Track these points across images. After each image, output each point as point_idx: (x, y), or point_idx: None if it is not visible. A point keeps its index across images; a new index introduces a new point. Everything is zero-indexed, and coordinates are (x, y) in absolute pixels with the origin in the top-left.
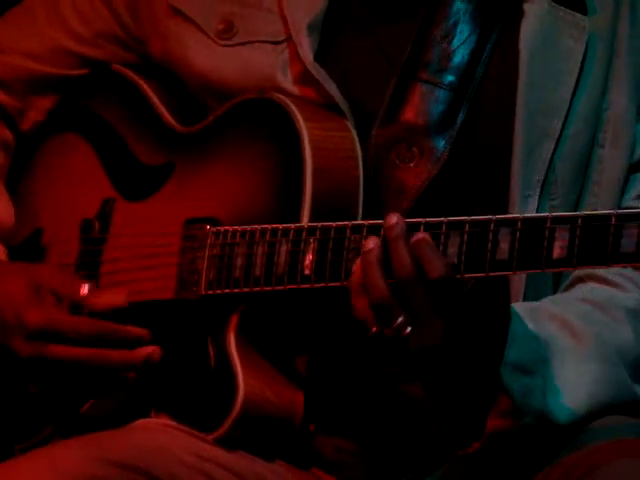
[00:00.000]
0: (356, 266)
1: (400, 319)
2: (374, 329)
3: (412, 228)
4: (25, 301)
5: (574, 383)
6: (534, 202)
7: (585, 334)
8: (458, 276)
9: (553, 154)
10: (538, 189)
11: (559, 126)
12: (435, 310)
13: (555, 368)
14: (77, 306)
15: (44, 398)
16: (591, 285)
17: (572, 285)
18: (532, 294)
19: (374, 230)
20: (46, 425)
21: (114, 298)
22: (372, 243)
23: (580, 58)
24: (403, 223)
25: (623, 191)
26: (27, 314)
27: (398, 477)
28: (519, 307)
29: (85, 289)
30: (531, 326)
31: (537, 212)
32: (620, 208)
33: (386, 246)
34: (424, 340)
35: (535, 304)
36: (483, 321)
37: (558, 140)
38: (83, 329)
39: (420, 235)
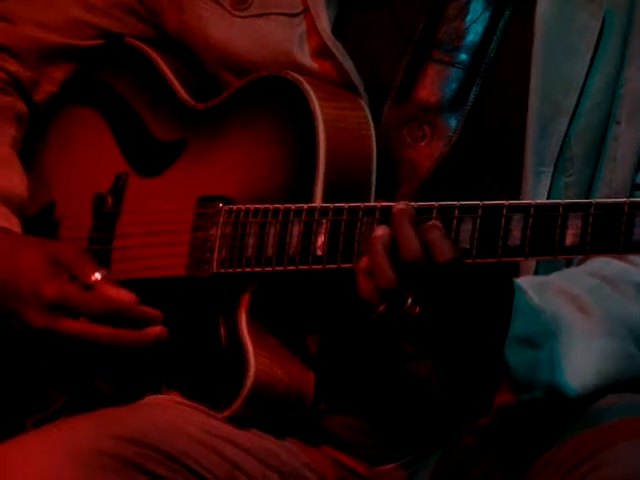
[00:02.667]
0: (365, 249)
1: (409, 301)
2: (379, 309)
3: (425, 211)
4: (42, 273)
5: (582, 358)
6: (547, 179)
7: (593, 309)
8: (470, 261)
9: (567, 130)
10: (552, 165)
11: (574, 102)
12: (444, 291)
13: (562, 343)
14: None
15: (57, 371)
16: (603, 259)
17: (584, 260)
18: (544, 271)
19: (386, 212)
20: (59, 397)
21: (123, 294)
22: (381, 230)
23: (596, 33)
24: (411, 209)
25: (638, 167)
26: (43, 286)
27: (406, 454)
28: (524, 281)
29: (97, 276)
30: (535, 299)
31: (550, 189)
32: (635, 185)
33: (394, 231)
34: (433, 318)
35: (542, 278)
36: (493, 298)
37: (573, 116)
38: (96, 306)
39: (430, 222)
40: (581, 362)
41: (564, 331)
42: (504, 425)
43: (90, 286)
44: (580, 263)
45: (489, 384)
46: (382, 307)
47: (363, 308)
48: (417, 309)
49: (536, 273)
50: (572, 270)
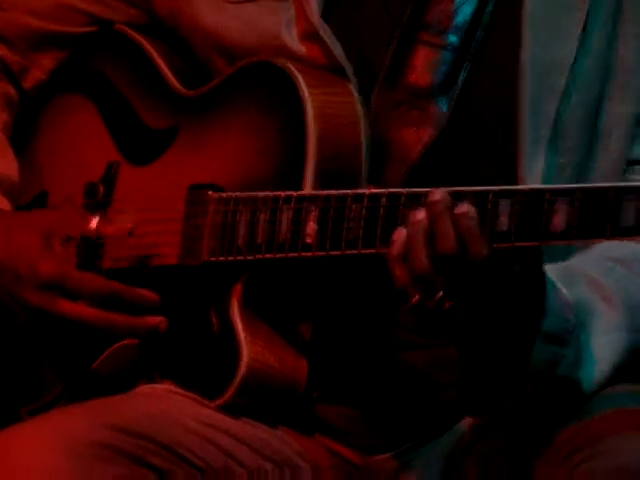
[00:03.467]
0: (397, 235)
1: (440, 293)
2: (415, 299)
3: (458, 197)
4: (38, 251)
5: (602, 354)
6: (541, 158)
7: (615, 297)
8: (509, 244)
9: (559, 109)
10: (545, 144)
11: (564, 81)
12: (476, 285)
13: (587, 339)
14: (91, 261)
15: (52, 355)
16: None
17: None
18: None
19: (375, 199)
20: (54, 386)
21: (124, 222)
22: (421, 215)
23: (585, 13)
24: (449, 199)
25: (632, 143)
26: (40, 264)
27: (400, 444)
28: (552, 270)
29: (94, 222)
30: (565, 292)
31: (546, 170)
32: (629, 162)
33: (432, 221)
34: (464, 312)
35: (568, 264)
36: (523, 290)
37: (564, 94)
38: (93, 286)
39: (465, 207)
40: (601, 357)
41: (590, 325)
42: (509, 411)
43: (94, 233)
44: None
45: (511, 380)
46: (416, 297)
47: (397, 297)
48: (448, 304)
49: None
50: (591, 253)
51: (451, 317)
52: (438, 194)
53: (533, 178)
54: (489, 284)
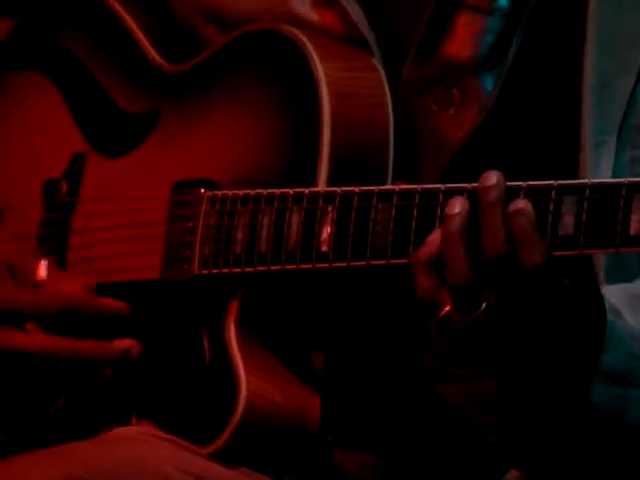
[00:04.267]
0: (432, 237)
1: (483, 306)
2: (444, 312)
3: (511, 193)
4: None
5: None
6: (611, 150)
7: None
8: (576, 252)
9: (634, 90)
10: (615, 134)
11: None
12: (524, 298)
13: None
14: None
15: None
16: None
17: None
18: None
19: (406, 197)
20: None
21: (76, 288)
22: (459, 206)
23: None
24: (504, 185)
25: None
26: None
27: None
28: (614, 295)
29: (43, 270)
30: (631, 321)
31: (615, 163)
32: None
33: (476, 213)
34: (505, 330)
35: (634, 288)
36: (574, 312)
37: None
38: (46, 306)
39: (521, 204)
40: None
41: None
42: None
43: (37, 284)
44: None
45: (564, 422)
46: (447, 309)
47: (419, 311)
48: (488, 317)
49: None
50: None
51: (489, 335)
52: (493, 177)
53: (601, 173)
54: (539, 299)
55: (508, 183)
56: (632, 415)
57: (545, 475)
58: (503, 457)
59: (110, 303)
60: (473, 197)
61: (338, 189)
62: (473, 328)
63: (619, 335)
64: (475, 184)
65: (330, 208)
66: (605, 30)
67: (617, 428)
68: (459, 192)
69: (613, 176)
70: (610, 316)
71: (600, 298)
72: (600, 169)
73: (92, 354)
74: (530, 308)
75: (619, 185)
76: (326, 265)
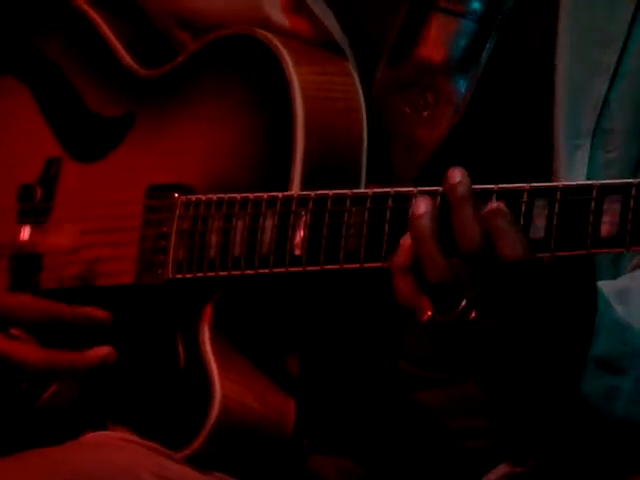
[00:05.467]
0: (405, 240)
1: (463, 303)
2: (427, 315)
3: (483, 196)
4: None
5: None
6: (584, 155)
7: None
8: (548, 254)
9: (607, 94)
10: (589, 138)
11: (614, 59)
12: (507, 293)
13: None
14: (26, 281)
15: None
16: None
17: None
18: None
19: (380, 200)
20: None
21: (65, 234)
22: (424, 206)
23: None
24: (469, 181)
25: None
26: None
27: None
28: (606, 288)
29: (25, 233)
30: (620, 311)
31: (589, 166)
32: None
33: (446, 211)
34: (490, 328)
35: (622, 284)
36: (565, 307)
37: (614, 77)
38: (28, 310)
39: (494, 204)
40: None
41: None
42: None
43: (25, 246)
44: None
45: (555, 418)
46: (429, 312)
47: (401, 314)
48: (473, 314)
49: None
50: None
51: (476, 332)
52: (458, 174)
53: (575, 177)
54: (524, 292)
55: (480, 186)
56: (621, 406)
57: (537, 469)
58: (487, 458)
59: (95, 313)
60: (444, 198)
61: (312, 193)
62: (456, 327)
63: (610, 323)
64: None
65: (303, 212)
66: (578, 33)
67: (606, 422)
68: (432, 195)
69: (588, 179)
70: (600, 304)
71: (593, 286)
72: (574, 173)
73: (70, 365)
74: (516, 301)
75: (590, 187)
76: (300, 269)
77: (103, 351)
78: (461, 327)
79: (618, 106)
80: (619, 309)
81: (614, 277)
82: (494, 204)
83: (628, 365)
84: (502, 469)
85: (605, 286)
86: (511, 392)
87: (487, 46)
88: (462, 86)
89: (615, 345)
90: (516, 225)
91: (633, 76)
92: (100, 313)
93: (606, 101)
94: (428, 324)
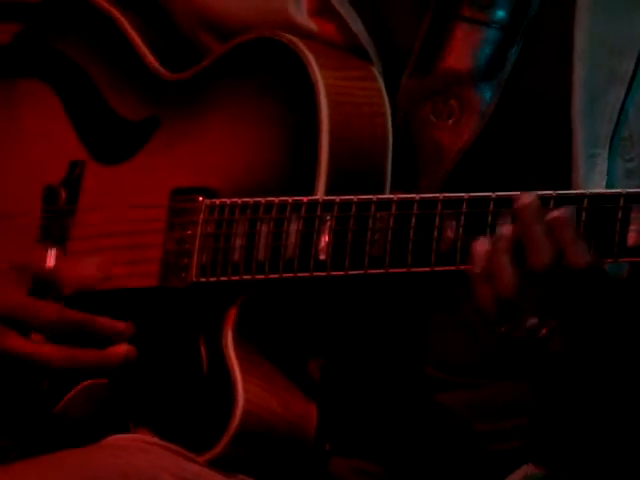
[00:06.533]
0: (479, 247)
1: (532, 320)
2: (502, 329)
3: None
4: None
5: None
6: (603, 163)
7: None
8: (611, 260)
9: (624, 102)
10: (607, 146)
11: (631, 67)
12: (579, 305)
13: None
14: (43, 287)
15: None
16: None
17: None
18: None
19: (405, 206)
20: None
21: (91, 270)
22: (506, 230)
23: None
24: (539, 202)
25: None
26: None
27: None
28: None
29: (52, 258)
30: None
31: (608, 175)
32: None
33: (522, 231)
34: (564, 343)
35: None
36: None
37: (631, 84)
38: (52, 316)
39: (557, 212)
40: None
41: None
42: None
43: (50, 274)
44: None
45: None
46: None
47: (484, 324)
48: (544, 331)
49: None
50: None
51: (547, 347)
52: (527, 197)
53: (594, 186)
54: (592, 300)
55: (540, 192)
56: None
57: (565, 473)
58: (513, 461)
59: (118, 325)
60: (472, 206)
61: (336, 198)
62: (530, 340)
63: None
64: (474, 194)
65: (328, 217)
66: (594, 42)
67: None
68: (457, 202)
69: (606, 188)
70: None
71: None
72: (593, 181)
73: (93, 363)
74: (585, 310)
75: (617, 196)
76: (324, 274)
77: (122, 349)
78: (532, 341)
79: (635, 114)
80: None
81: None
82: (557, 212)
83: None
84: (524, 470)
85: None
86: (571, 394)
87: (511, 54)
88: (487, 94)
89: None
90: (579, 233)
91: None
92: (124, 326)
93: (623, 109)
94: (504, 335)
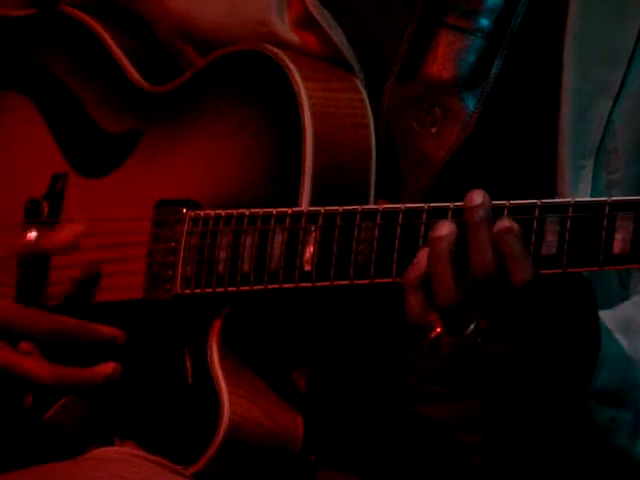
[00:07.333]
0: (419, 256)
1: (471, 327)
2: (436, 332)
3: (495, 212)
4: None
5: None
6: (587, 175)
7: None
8: (559, 270)
9: (611, 114)
10: (592, 158)
11: (619, 79)
12: (514, 317)
13: None
14: (32, 297)
15: None
16: None
17: None
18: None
19: (390, 216)
20: None
21: (71, 229)
22: (446, 229)
23: None
24: (490, 204)
25: None
26: None
27: None
28: (608, 318)
29: (32, 234)
30: (624, 344)
31: (592, 187)
32: None
33: (463, 232)
34: (497, 351)
35: (624, 312)
36: (567, 332)
37: (617, 97)
38: (41, 325)
39: (506, 223)
40: None
41: None
42: None
43: (35, 246)
44: None
45: (553, 440)
46: (437, 330)
47: (410, 332)
48: (478, 339)
49: None
50: None
51: (482, 354)
52: (479, 196)
53: (579, 197)
54: (531, 318)
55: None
56: (619, 438)
57: None
58: (486, 475)
59: (109, 331)
60: (457, 216)
61: (321, 208)
62: (463, 349)
63: (613, 356)
64: (458, 203)
65: (313, 228)
66: (583, 49)
67: (606, 453)
68: (442, 211)
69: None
70: (603, 335)
71: (595, 316)
72: (578, 192)
73: (77, 380)
74: (521, 327)
75: (602, 204)
76: (309, 284)
77: (108, 368)
78: (467, 349)
79: (622, 126)
80: (623, 341)
81: (624, 299)
82: (506, 222)
83: (629, 398)
84: None
85: (608, 316)
86: (510, 409)
87: (496, 63)
88: (470, 103)
89: (618, 379)
90: (525, 247)
91: (636, 97)
92: (115, 332)
93: (609, 121)
94: (434, 343)
